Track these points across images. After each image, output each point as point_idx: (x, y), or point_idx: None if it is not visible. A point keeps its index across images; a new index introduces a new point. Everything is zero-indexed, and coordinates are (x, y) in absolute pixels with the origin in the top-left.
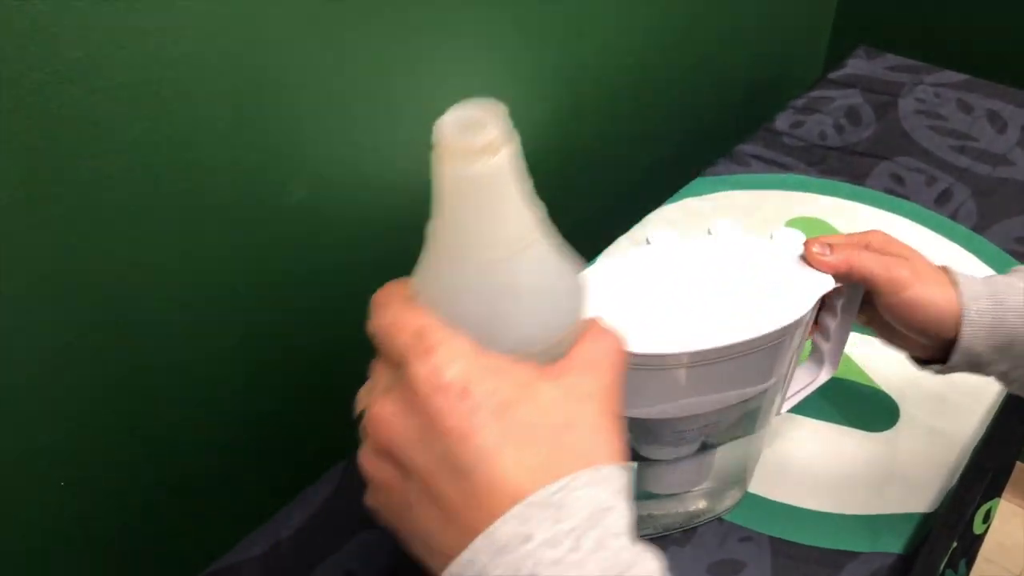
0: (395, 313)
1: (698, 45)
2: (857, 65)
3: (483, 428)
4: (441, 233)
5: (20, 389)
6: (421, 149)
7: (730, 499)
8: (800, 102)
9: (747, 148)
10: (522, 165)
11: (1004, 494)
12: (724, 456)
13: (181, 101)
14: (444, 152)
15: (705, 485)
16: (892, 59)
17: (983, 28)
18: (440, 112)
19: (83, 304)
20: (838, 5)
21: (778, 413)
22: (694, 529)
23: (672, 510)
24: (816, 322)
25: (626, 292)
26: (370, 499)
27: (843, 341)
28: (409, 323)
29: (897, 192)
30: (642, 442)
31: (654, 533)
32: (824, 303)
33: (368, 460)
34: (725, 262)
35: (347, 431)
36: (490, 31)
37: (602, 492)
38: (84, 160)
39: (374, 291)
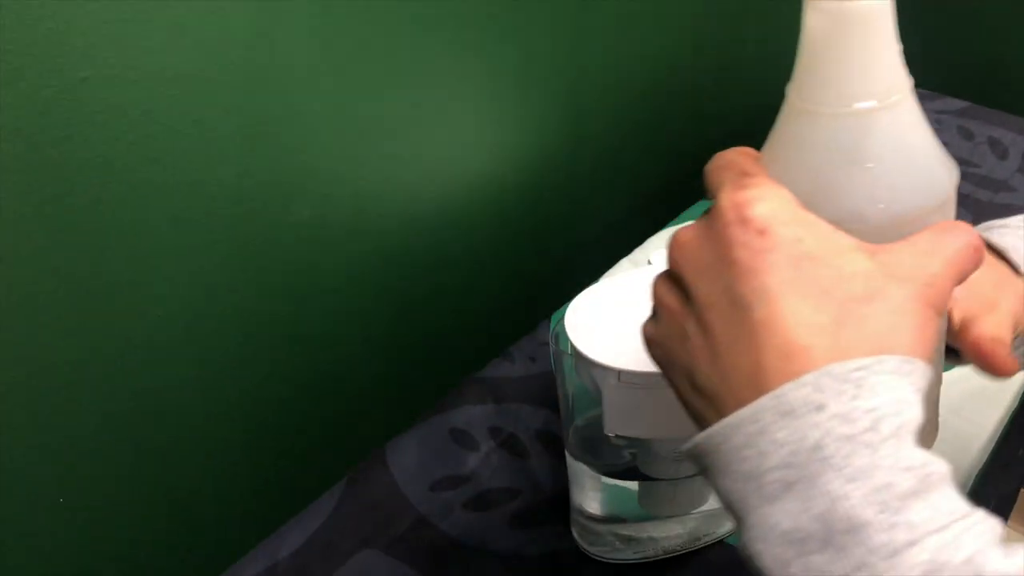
0: (729, 155)
1: (701, 72)
2: None
3: (772, 269)
4: (802, 83)
5: (22, 402)
6: (425, 170)
7: (732, 521)
8: None
9: None
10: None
11: (1009, 522)
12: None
13: (188, 120)
14: None
15: (707, 507)
16: None
17: (984, 56)
18: (443, 137)
19: (87, 319)
20: None
21: None
22: (697, 552)
23: (674, 532)
24: None
25: (628, 310)
26: (648, 327)
27: None
28: (738, 163)
29: None
30: (643, 461)
31: (655, 556)
32: None
33: (659, 284)
34: None
35: (348, 450)
36: (496, 56)
37: (906, 386)
38: (91, 177)
39: (376, 310)
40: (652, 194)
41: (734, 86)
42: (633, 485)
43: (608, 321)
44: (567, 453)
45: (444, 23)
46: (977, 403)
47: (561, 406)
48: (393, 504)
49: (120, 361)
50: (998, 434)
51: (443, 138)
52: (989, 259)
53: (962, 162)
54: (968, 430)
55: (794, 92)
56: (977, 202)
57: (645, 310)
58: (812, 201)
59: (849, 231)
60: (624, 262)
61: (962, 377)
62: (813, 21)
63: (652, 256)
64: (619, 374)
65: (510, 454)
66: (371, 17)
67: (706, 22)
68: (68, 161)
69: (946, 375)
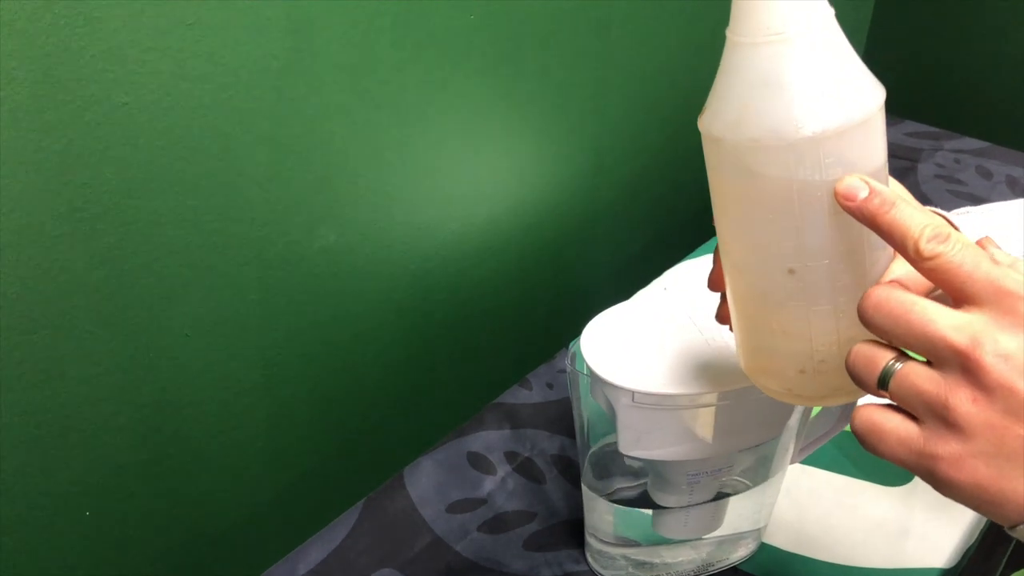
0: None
1: None
2: None
3: None
4: (738, 23)
5: (48, 418)
6: (449, 200)
7: (744, 548)
8: None
9: None
10: None
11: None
12: (738, 504)
13: (220, 145)
14: None
15: (719, 533)
16: (912, 125)
17: (1002, 96)
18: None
19: (116, 336)
20: None
21: (793, 462)
22: None
23: (687, 557)
24: None
25: (642, 333)
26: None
27: None
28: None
29: None
30: (656, 488)
31: None
32: None
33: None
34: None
35: (367, 471)
36: (517, 90)
37: None
38: (128, 198)
39: (398, 336)
40: (670, 228)
41: None
42: (647, 510)
43: (623, 342)
44: (582, 478)
45: (471, 58)
46: None
47: (576, 429)
48: (410, 525)
49: (145, 378)
50: None
51: (467, 169)
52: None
53: (979, 201)
54: None
55: (729, 29)
56: None
57: (659, 332)
58: (739, 122)
59: (769, 148)
60: (640, 293)
61: None
62: None
63: (667, 284)
64: (633, 394)
65: (526, 478)
66: (401, 51)
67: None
68: (105, 183)
69: None
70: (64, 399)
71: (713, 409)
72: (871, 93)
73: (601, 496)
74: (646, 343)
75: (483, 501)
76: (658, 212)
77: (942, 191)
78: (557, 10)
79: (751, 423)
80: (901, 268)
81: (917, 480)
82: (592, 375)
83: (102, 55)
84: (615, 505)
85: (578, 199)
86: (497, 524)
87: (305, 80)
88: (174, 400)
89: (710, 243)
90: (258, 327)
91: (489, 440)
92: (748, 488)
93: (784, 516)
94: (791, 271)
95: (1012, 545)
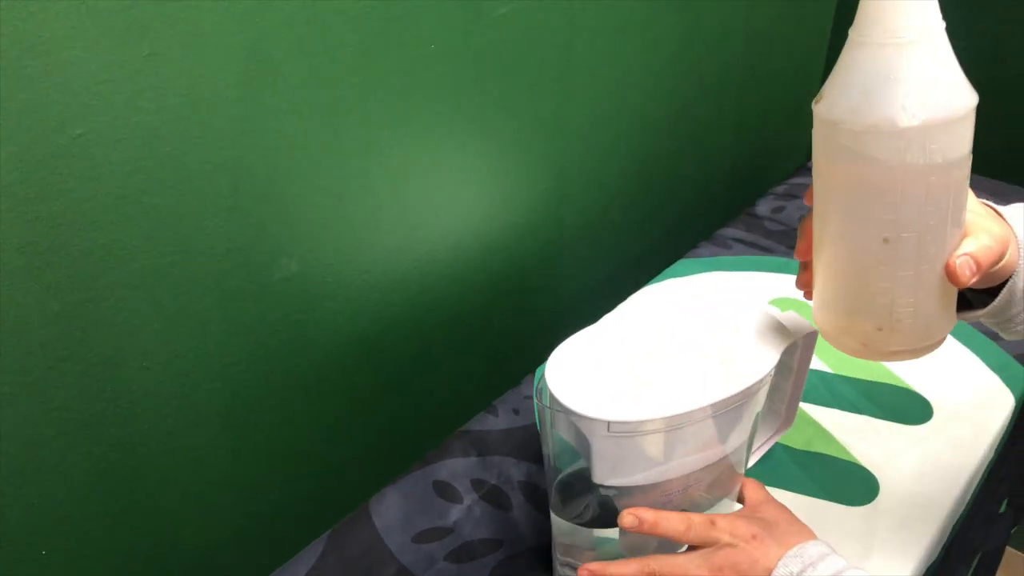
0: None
1: (682, 132)
2: None
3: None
4: (864, 24)
5: (1, 454)
6: (412, 229)
7: None
8: (781, 188)
9: (729, 231)
10: None
11: None
12: None
13: (178, 176)
14: None
15: (684, 549)
16: None
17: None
18: (429, 197)
19: (74, 370)
20: None
21: (746, 468)
22: None
23: None
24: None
25: (606, 358)
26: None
27: (799, 393)
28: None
29: None
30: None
31: None
32: (780, 358)
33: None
34: (685, 329)
35: (332, 501)
36: (479, 117)
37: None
38: (83, 231)
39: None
40: (633, 254)
41: (710, 152)
42: (614, 532)
43: (590, 371)
44: (551, 506)
45: (433, 88)
46: (954, 451)
47: (545, 460)
48: (376, 555)
49: (103, 413)
50: (976, 484)
51: (430, 197)
52: (995, 214)
53: None
54: (946, 477)
55: (853, 30)
56: None
57: (623, 356)
58: (858, 109)
59: (883, 133)
60: (606, 319)
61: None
62: None
63: (632, 307)
64: (609, 424)
65: (493, 506)
66: (362, 81)
67: (686, 91)
68: (59, 216)
69: (954, 393)
70: (18, 435)
71: (686, 430)
72: (969, 93)
73: (570, 520)
74: (613, 370)
75: (450, 530)
76: (622, 237)
77: None
78: (518, 40)
79: (722, 435)
80: (972, 244)
81: (880, 499)
82: (564, 409)
83: (55, 87)
84: (584, 528)
85: (542, 226)
86: (464, 553)
87: (265, 110)
88: (133, 435)
89: (673, 268)
90: (219, 359)
91: (455, 468)
92: (711, 501)
93: None
94: (886, 240)
95: (976, 561)
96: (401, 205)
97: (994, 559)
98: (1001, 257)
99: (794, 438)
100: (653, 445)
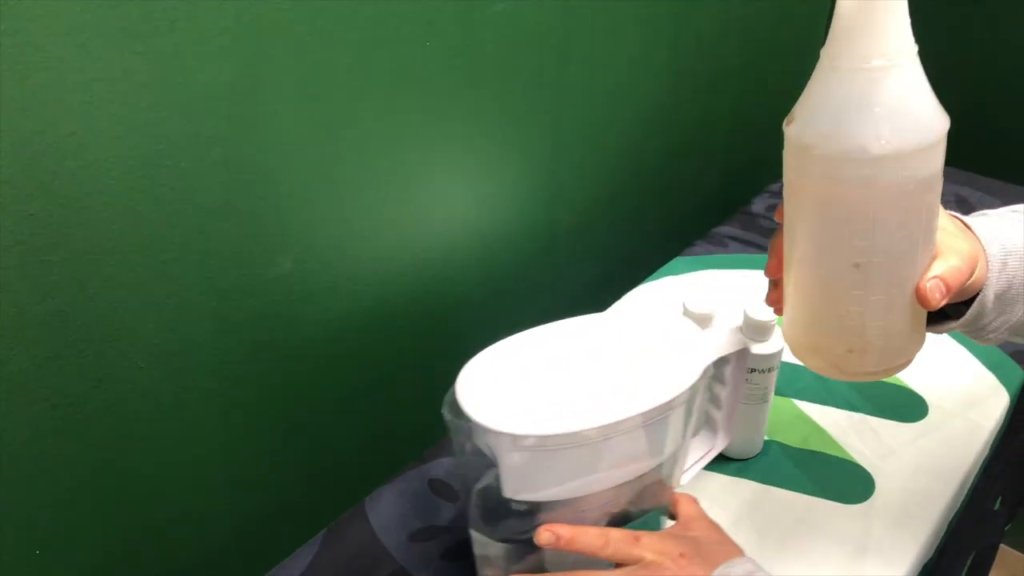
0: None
1: (678, 130)
2: None
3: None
4: (830, 45)
5: (5, 451)
6: (405, 226)
7: None
8: (776, 186)
9: (724, 229)
10: None
11: None
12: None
13: (172, 174)
14: None
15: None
16: None
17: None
18: (423, 199)
19: (68, 369)
20: None
21: (676, 486)
22: None
23: None
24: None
25: (519, 372)
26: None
27: (735, 408)
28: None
29: None
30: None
31: None
32: (714, 372)
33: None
34: (611, 341)
35: (328, 500)
36: (475, 115)
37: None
38: (76, 229)
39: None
40: (629, 252)
41: (704, 151)
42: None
43: (501, 385)
44: (469, 521)
45: (427, 87)
46: (950, 449)
47: (458, 476)
48: (372, 554)
49: (98, 412)
50: (970, 482)
51: (425, 197)
52: (965, 228)
53: None
54: (941, 476)
55: (824, 53)
56: None
57: (538, 369)
58: (830, 135)
59: (855, 160)
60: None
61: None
62: (840, 2)
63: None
64: (514, 438)
65: None
66: (357, 80)
67: (681, 88)
68: (53, 214)
69: (949, 390)
70: (12, 434)
71: (598, 445)
72: (941, 118)
73: (492, 539)
74: (527, 383)
75: (446, 529)
76: (617, 235)
77: None
78: (514, 40)
79: (635, 454)
80: (941, 266)
81: (876, 497)
82: (470, 420)
83: (47, 85)
84: (504, 545)
85: (537, 224)
86: (460, 551)
87: (259, 107)
88: (128, 434)
89: (668, 266)
90: (215, 357)
91: (451, 467)
92: (637, 516)
93: (745, 535)
94: (857, 265)
95: (970, 559)
96: (396, 203)
97: (988, 556)
98: (971, 275)
99: (790, 436)
100: (562, 460)
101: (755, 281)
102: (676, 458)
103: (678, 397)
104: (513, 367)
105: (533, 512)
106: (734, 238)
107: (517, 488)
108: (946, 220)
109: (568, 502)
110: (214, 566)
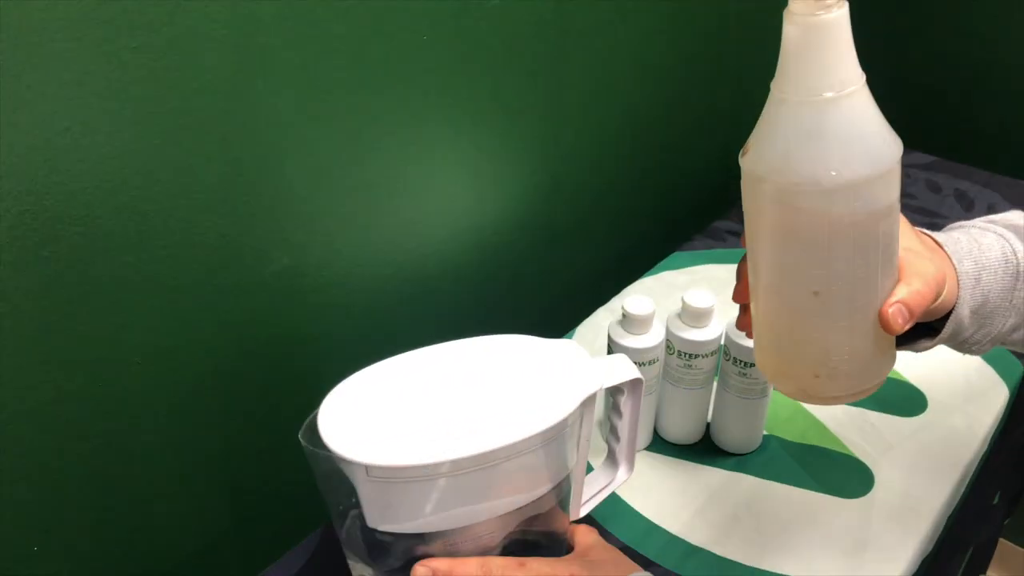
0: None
1: (676, 124)
2: None
3: None
4: (779, 78)
5: (1, 449)
6: (403, 221)
7: None
8: None
9: (723, 224)
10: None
11: (990, 571)
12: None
13: (168, 168)
14: (799, 4)
15: None
16: None
17: (950, 112)
18: (421, 191)
19: (64, 367)
20: None
21: (574, 518)
22: None
23: None
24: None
25: (382, 401)
26: None
27: (633, 440)
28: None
29: None
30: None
31: None
32: (613, 405)
33: None
34: (491, 368)
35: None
36: (472, 108)
37: None
38: (72, 225)
39: (354, 358)
40: (627, 247)
41: (703, 145)
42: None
43: (362, 413)
44: (343, 543)
45: (424, 79)
46: (948, 443)
47: (330, 505)
48: None
49: (95, 409)
50: (970, 476)
51: (422, 190)
52: (934, 247)
53: (929, 214)
54: (941, 470)
55: (774, 85)
56: None
57: (408, 397)
58: (782, 167)
59: (808, 191)
60: (601, 311)
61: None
62: (788, 30)
63: (625, 303)
64: (367, 468)
65: None
66: (353, 72)
67: (679, 82)
68: (48, 209)
69: (948, 385)
70: (8, 432)
71: (462, 478)
72: (893, 146)
73: (367, 565)
74: (394, 411)
75: None
76: (616, 229)
77: None
78: (511, 32)
79: (506, 487)
80: (904, 290)
81: (875, 492)
82: (324, 448)
83: (41, 80)
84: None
85: (535, 218)
86: None
87: (255, 102)
88: (125, 430)
89: (667, 261)
90: (211, 353)
91: None
92: (535, 545)
93: (744, 530)
94: (816, 293)
95: (969, 554)
96: (393, 198)
97: (987, 551)
98: (937, 296)
99: (789, 430)
100: (420, 493)
101: None
102: (564, 490)
103: (550, 430)
104: (384, 393)
105: (404, 540)
106: (732, 232)
107: (378, 519)
108: (913, 240)
109: (435, 535)
110: (212, 561)
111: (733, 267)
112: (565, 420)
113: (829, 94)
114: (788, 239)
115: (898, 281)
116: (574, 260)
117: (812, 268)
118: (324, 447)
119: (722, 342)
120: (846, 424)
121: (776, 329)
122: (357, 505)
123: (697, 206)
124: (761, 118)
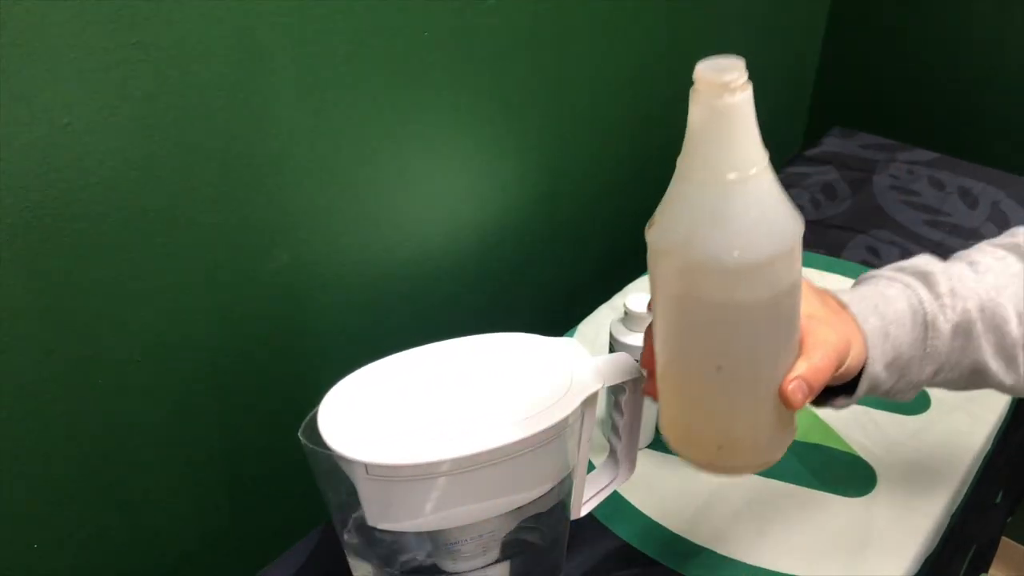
0: None
1: (677, 122)
2: (832, 143)
3: None
4: (689, 158)
5: (0, 447)
6: (403, 219)
7: None
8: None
9: None
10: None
11: (992, 569)
12: (525, 564)
13: (168, 165)
14: (704, 86)
15: None
16: (866, 137)
17: (953, 108)
18: (423, 188)
19: (64, 363)
20: (814, 87)
21: (575, 517)
22: None
23: None
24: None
25: (382, 399)
26: None
27: (635, 439)
28: None
29: (873, 263)
30: (441, 558)
31: None
32: (615, 403)
33: None
34: (490, 366)
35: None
36: (473, 105)
37: None
38: (72, 221)
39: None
40: (628, 246)
41: None
42: None
43: (362, 411)
44: (343, 546)
45: (426, 78)
46: (951, 444)
47: (330, 504)
48: None
49: (95, 406)
50: (972, 475)
51: (423, 188)
52: (838, 309)
53: (933, 211)
54: (943, 470)
55: (680, 162)
56: (949, 249)
57: (409, 395)
58: (685, 245)
59: (711, 270)
60: (603, 308)
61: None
62: (693, 111)
63: (627, 300)
64: (367, 467)
65: None
66: (354, 70)
67: (680, 80)
68: (48, 206)
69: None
70: (7, 429)
71: (461, 477)
72: (794, 226)
73: (368, 564)
74: (394, 409)
75: None
76: (616, 229)
77: (897, 202)
78: (512, 31)
79: (502, 488)
80: (803, 366)
81: (877, 491)
82: (324, 446)
83: (41, 75)
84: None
85: (535, 218)
86: None
87: (255, 98)
88: (126, 426)
89: None
90: (211, 350)
91: None
92: (535, 544)
93: (746, 528)
94: (719, 368)
95: (971, 552)
96: (394, 195)
97: (990, 549)
98: (840, 364)
99: None
100: (420, 491)
101: None
102: (565, 488)
103: (550, 429)
104: (384, 391)
105: (395, 543)
106: None
107: (378, 517)
108: (816, 305)
109: (437, 534)
110: (212, 559)
111: None
112: (566, 419)
113: (732, 175)
114: (692, 315)
115: (799, 354)
116: (575, 257)
117: (715, 345)
118: (324, 445)
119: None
120: (849, 423)
121: (680, 400)
122: (357, 503)
123: None
124: (667, 194)
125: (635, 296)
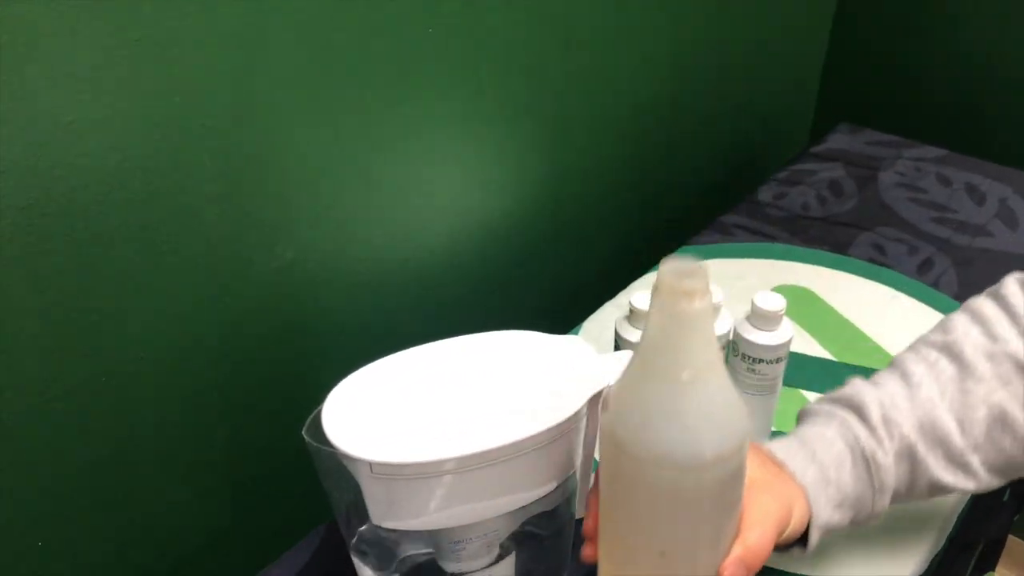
0: None
1: (683, 119)
2: (838, 140)
3: None
4: (647, 354)
5: (6, 445)
6: (407, 216)
7: None
8: (783, 175)
9: (731, 219)
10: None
11: (999, 567)
12: (528, 563)
13: (172, 162)
14: (667, 290)
15: None
16: (872, 134)
17: (960, 105)
18: (427, 185)
19: (68, 362)
20: (821, 83)
21: (580, 516)
22: None
23: None
24: None
25: (387, 398)
26: None
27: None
28: None
29: (879, 261)
30: (443, 557)
31: None
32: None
33: None
34: (496, 364)
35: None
36: (477, 102)
37: None
38: (76, 219)
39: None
40: (634, 242)
41: (712, 138)
42: None
43: (367, 409)
44: (349, 548)
45: (430, 74)
46: None
47: (334, 502)
48: None
49: (98, 404)
50: None
51: (428, 185)
52: (777, 471)
53: (940, 208)
54: None
55: (636, 355)
56: (956, 247)
57: (414, 394)
58: (637, 437)
59: (662, 464)
60: (608, 306)
61: None
62: (653, 313)
63: (632, 298)
64: (371, 465)
65: None
66: (359, 66)
67: (686, 77)
68: (51, 203)
69: None
70: (12, 427)
71: (464, 475)
72: (743, 424)
73: (384, 571)
74: (398, 407)
75: None
76: (622, 225)
77: (904, 199)
78: (517, 28)
79: (507, 486)
80: (739, 547)
81: None
82: (328, 444)
83: (43, 74)
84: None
85: (540, 214)
86: None
87: (259, 96)
88: (128, 426)
89: (676, 254)
90: (215, 348)
91: None
92: (539, 542)
93: None
94: (663, 553)
95: (978, 551)
96: (399, 192)
97: (996, 548)
98: (781, 531)
99: None
100: (425, 489)
101: (760, 270)
102: (570, 487)
103: (555, 427)
104: (388, 389)
105: (398, 541)
106: (740, 226)
107: (382, 515)
108: (756, 470)
109: (440, 532)
110: (217, 556)
111: (741, 262)
112: (571, 417)
113: (686, 375)
114: (639, 501)
115: (738, 533)
116: (580, 255)
117: (659, 531)
118: (328, 443)
119: (731, 337)
120: None
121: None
122: (361, 502)
123: (705, 201)
124: (621, 381)
125: (640, 294)
